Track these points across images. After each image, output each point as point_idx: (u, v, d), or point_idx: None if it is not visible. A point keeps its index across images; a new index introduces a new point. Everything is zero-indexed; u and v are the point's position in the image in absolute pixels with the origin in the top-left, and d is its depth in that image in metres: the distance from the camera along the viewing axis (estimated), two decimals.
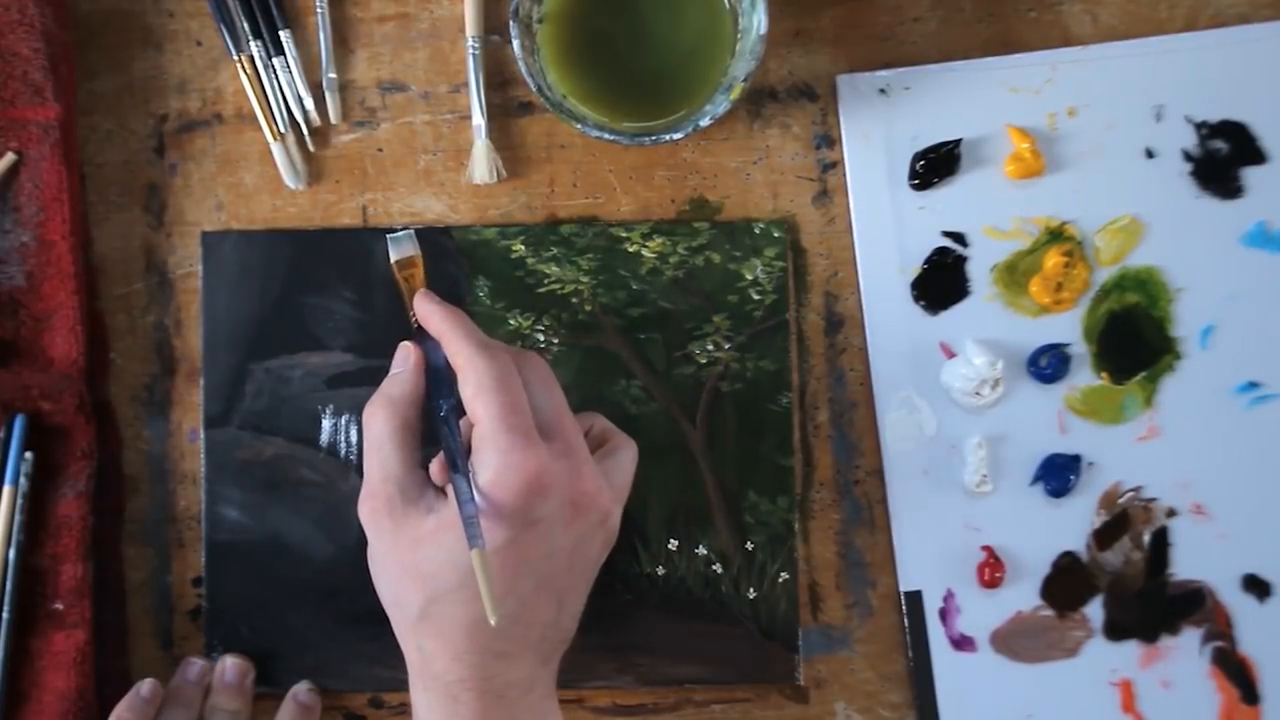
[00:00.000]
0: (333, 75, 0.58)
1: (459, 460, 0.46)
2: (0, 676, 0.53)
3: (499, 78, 0.58)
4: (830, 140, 0.58)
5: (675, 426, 0.57)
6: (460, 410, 0.48)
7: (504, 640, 0.46)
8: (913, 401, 0.58)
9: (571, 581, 0.48)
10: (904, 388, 0.58)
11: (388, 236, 0.55)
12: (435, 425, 0.48)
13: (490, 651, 0.46)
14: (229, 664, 0.56)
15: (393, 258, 0.55)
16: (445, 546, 0.45)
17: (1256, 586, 0.57)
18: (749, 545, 0.57)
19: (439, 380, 0.50)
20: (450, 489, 0.46)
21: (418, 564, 0.46)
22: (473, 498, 0.45)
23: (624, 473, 0.50)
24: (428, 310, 0.50)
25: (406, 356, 0.50)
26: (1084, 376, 0.58)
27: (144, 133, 0.58)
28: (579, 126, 0.53)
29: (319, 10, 0.57)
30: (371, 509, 0.48)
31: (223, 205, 0.58)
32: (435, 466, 0.49)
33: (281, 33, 0.57)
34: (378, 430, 0.48)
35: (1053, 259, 0.57)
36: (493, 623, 0.43)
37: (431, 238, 0.57)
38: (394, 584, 0.47)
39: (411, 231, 0.56)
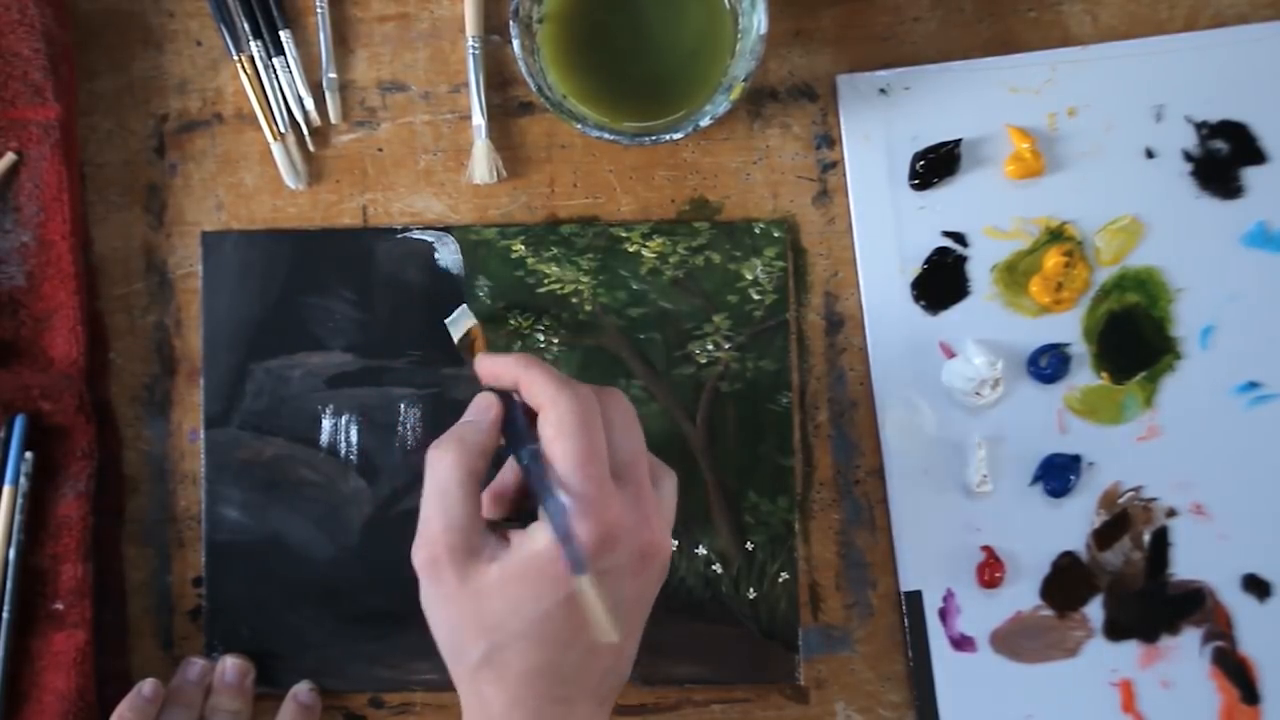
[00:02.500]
0: (333, 75, 0.58)
1: (552, 495, 0.44)
2: (0, 676, 0.53)
3: (499, 78, 0.58)
4: (830, 140, 0.58)
5: (675, 426, 0.57)
6: (539, 456, 0.46)
7: (565, 686, 0.45)
8: (913, 401, 0.58)
9: (632, 625, 0.47)
10: (904, 388, 0.58)
11: (446, 322, 0.54)
12: (519, 474, 0.47)
13: (550, 697, 0.45)
14: (229, 664, 0.56)
15: (455, 338, 0.54)
16: (510, 597, 0.44)
17: (1256, 586, 0.57)
18: (749, 545, 0.57)
19: (516, 435, 0.47)
20: (513, 535, 0.45)
21: (481, 614, 0.44)
22: (569, 528, 0.43)
23: (671, 506, 0.48)
24: (495, 365, 0.48)
25: (488, 407, 0.47)
26: (1084, 376, 0.58)
27: (144, 133, 0.58)
28: (579, 126, 0.53)
29: (319, 10, 0.57)
30: (431, 556, 0.45)
31: (223, 205, 0.58)
32: (486, 499, 0.48)
33: (281, 33, 0.57)
34: (444, 475, 0.45)
35: (1053, 259, 0.57)
36: (615, 639, 0.42)
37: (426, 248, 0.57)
38: (453, 632, 0.46)
39: (464, 306, 0.55)
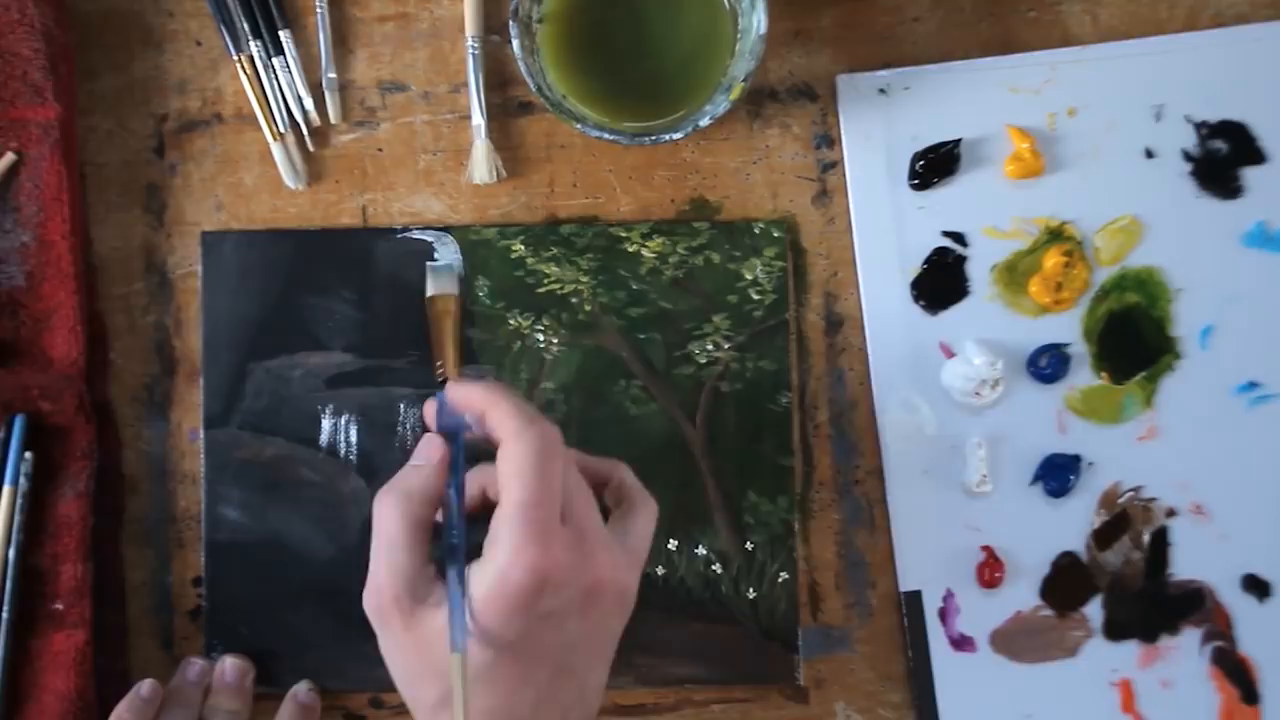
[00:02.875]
0: (333, 75, 0.58)
1: (455, 560, 0.44)
2: (0, 676, 0.53)
3: (499, 78, 0.58)
4: (830, 140, 0.58)
5: (675, 426, 0.57)
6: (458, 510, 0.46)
7: None
8: (913, 401, 0.58)
9: (591, 660, 0.47)
10: (904, 388, 0.58)
11: (429, 265, 0.54)
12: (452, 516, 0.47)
13: None
14: (229, 664, 0.56)
15: (429, 291, 0.53)
16: None
17: (1256, 586, 0.57)
18: (749, 545, 0.57)
19: (457, 472, 0.47)
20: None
21: (431, 660, 0.44)
22: (463, 606, 0.43)
23: (641, 538, 0.48)
24: (465, 391, 0.47)
25: (432, 451, 0.47)
26: (1084, 376, 0.58)
27: (144, 133, 0.58)
28: (579, 126, 0.53)
29: (319, 10, 0.57)
30: (378, 606, 0.45)
31: (223, 205, 0.58)
32: None
33: (281, 33, 0.57)
34: (388, 524, 0.46)
35: (1053, 259, 0.57)
36: None
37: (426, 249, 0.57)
38: (407, 677, 0.46)
39: (454, 261, 0.54)
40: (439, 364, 0.53)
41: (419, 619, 0.44)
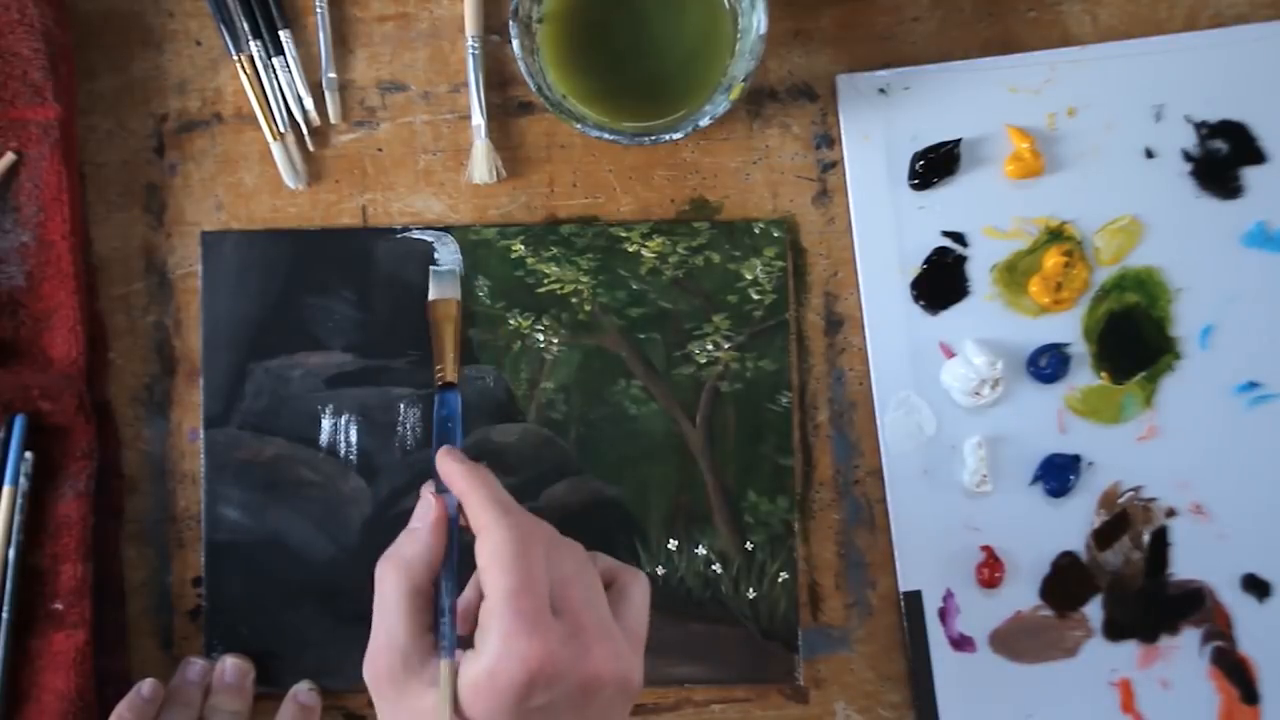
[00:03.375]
0: (333, 75, 0.58)
1: (444, 614, 0.44)
2: (0, 676, 0.53)
3: (499, 78, 0.58)
4: (830, 140, 0.58)
5: (675, 426, 0.57)
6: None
7: None
8: (912, 401, 0.58)
9: None
10: (904, 388, 0.58)
11: (431, 269, 0.55)
12: (441, 590, 0.46)
13: None
14: (229, 664, 0.56)
15: (430, 295, 0.54)
16: None
17: (1256, 586, 0.57)
18: (749, 545, 0.57)
19: (451, 543, 0.47)
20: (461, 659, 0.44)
21: None
22: (451, 619, 0.44)
23: (639, 616, 0.47)
24: (450, 469, 0.47)
25: (427, 511, 0.47)
26: (1084, 376, 0.58)
27: (144, 133, 0.58)
28: (579, 126, 0.53)
29: (319, 10, 0.57)
30: (374, 674, 0.45)
31: (223, 205, 0.58)
32: (460, 616, 0.47)
33: (281, 33, 0.57)
34: (386, 592, 0.45)
35: (1052, 259, 0.57)
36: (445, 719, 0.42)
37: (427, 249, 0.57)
38: None
39: (455, 264, 0.55)
40: (439, 367, 0.53)
41: (410, 694, 0.44)
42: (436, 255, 0.57)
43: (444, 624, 0.45)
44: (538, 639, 0.42)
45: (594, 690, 0.43)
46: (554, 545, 0.45)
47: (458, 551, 0.47)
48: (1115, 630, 0.57)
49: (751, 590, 0.57)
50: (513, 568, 0.43)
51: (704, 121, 0.53)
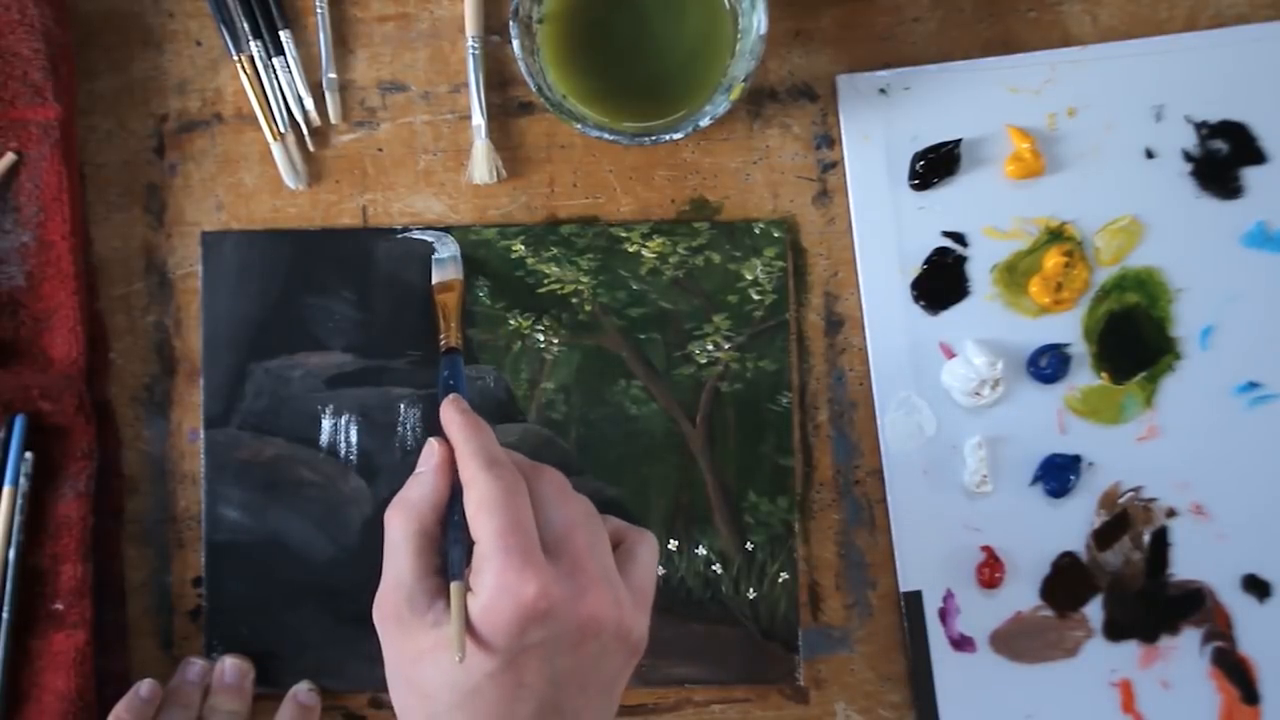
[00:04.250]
0: (333, 75, 0.58)
1: (457, 570, 0.44)
2: (0, 676, 0.53)
3: (499, 78, 0.58)
4: (830, 140, 0.58)
5: (675, 426, 0.57)
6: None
7: None
8: (913, 401, 0.58)
9: (586, 702, 0.45)
10: (904, 388, 0.58)
11: (434, 258, 0.56)
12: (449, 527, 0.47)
13: None
14: (229, 664, 0.56)
15: (434, 279, 0.55)
16: (442, 666, 0.43)
17: (1256, 586, 0.57)
18: (749, 545, 0.57)
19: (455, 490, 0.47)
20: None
21: (418, 679, 0.44)
22: (461, 558, 0.44)
23: (645, 574, 0.47)
24: (449, 418, 0.48)
25: (430, 454, 0.47)
26: (1084, 376, 0.58)
27: (144, 133, 0.58)
28: (579, 126, 0.53)
29: (319, 10, 0.57)
30: (381, 615, 0.46)
31: (223, 205, 0.58)
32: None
33: (281, 33, 0.57)
34: (393, 534, 0.46)
35: (1053, 259, 0.57)
36: (458, 660, 0.42)
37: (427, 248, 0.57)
38: (399, 694, 0.46)
39: (455, 253, 0.56)
40: (442, 336, 0.54)
41: (413, 633, 0.44)
42: (436, 253, 0.57)
43: (453, 554, 0.45)
44: (529, 574, 0.42)
45: (591, 632, 0.44)
46: (561, 493, 0.46)
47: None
48: (1115, 630, 0.57)
49: (752, 590, 0.57)
50: (499, 511, 0.43)
51: (704, 122, 0.53)
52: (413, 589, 0.45)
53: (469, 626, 0.43)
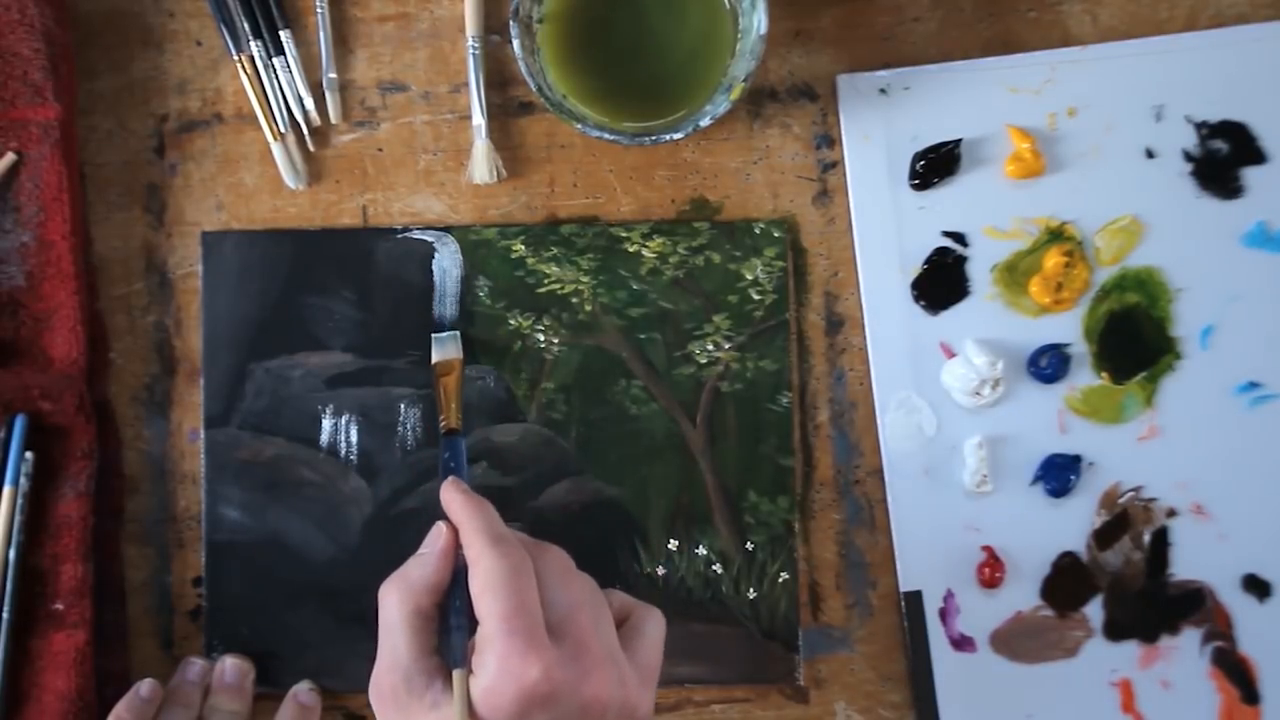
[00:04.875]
0: (333, 75, 0.58)
1: (459, 655, 0.45)
2: (0, 676, 0.53)
3: (499, 78, 0.58)
4: (830, 140, 0.58)
5: (675, 426, 0.57)
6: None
7: None
8: (913, 401, 0.58)
9: None
10: (904, 388, 0.58)
11: (433, 335, 0.56)
12: (450, 609, 0.47)
13: None
14: (229, 664, 0.56)
15: (434, 358, 0.55)
16: None
17: (1256, 586, 0.57)
18: (749, 545, 0.57)
19: (458, 573, 0.47)
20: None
21: None
22: (465, 631, 0.44)
23: (651, 650, 0.47)
24: (451, 497, 0.48)
25: (437, 538, 0.47)
26: (1084, 376, 0.58)
27: (144, 133, 0.58)
28: (579, 126, 0.53)
29: (319, 10, 0.57)
30: (378, 694, 0.45)
31: (223, 205, 0.58)
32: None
33: (281, 33, 0.57)
34: (390, 614, 0.46)
35: (1053, 259, 0.57)
36: None
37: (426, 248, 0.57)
38: None
39: (456, 333, 0.56)
40: (442, 417, 0.53)
41: (411, 715, 0.44)
42: (436, 253, 0.57)
43: (455, 637, 0.45)
44: (533, 658, 0.42)
45: (595, 713, 0.43)
46: (565, 572, 0.46)
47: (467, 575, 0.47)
48: (1116, 630, 0.57)
49: (752, 590, 0.57)
50: (504, 593, 0.43)
51: (704, 121, 0.53)
52: (410, 669, 0.44)
53: (470, 709, 0.43)
